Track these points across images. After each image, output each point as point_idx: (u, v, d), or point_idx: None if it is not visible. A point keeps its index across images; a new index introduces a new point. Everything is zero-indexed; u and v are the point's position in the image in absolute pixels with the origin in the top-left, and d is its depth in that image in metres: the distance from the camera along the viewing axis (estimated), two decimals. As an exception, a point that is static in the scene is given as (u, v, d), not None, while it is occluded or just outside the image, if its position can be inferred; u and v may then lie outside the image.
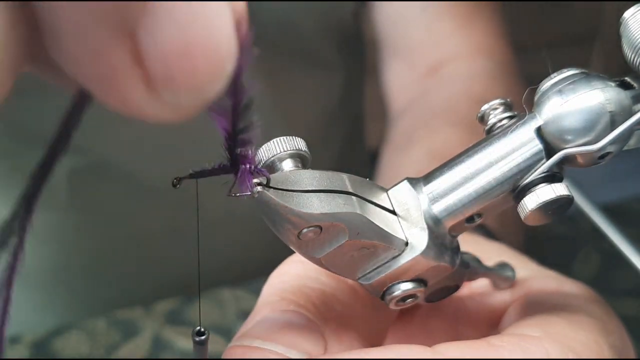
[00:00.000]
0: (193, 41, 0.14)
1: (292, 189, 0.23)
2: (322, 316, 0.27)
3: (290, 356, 0.24)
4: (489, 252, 0.33)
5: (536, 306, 0.29)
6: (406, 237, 0.25)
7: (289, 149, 0.24)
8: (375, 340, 0.30)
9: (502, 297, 0.32)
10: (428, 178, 0.26)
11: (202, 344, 0.22)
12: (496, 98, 0.26)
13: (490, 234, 0.42)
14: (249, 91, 0.17)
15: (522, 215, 0.25)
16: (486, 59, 0.63)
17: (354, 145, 0.76)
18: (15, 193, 0.20)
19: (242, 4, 0.16)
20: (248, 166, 0.21)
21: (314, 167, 0.24)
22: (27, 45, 0.14)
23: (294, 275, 0.28)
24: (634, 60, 0.24)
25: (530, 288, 0.31)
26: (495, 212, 0.26)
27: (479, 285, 0.33)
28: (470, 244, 0.33)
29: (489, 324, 0.32)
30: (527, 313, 0.29)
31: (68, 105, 0.16)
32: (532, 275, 0.32)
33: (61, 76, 0.15)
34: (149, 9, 0.13)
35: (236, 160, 0.21)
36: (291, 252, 0.27)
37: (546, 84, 0.24)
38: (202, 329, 0.22)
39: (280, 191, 0.22)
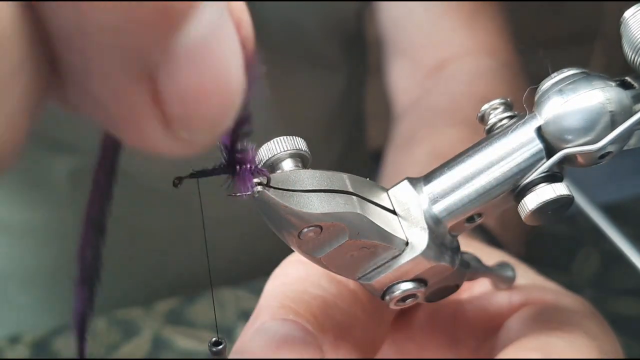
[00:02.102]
0: (209, 83, 0.14)
1: (292, 188, 0.23)
2: (320, 326, 0.27)
3: None
4: (488, 259, 0.33)
5: (535, 323, 0.29)
6: (406, 237, 0.25)
7: (289, 148, 0.24)
8: (372, 346, 0.30)
9: (500, 303, 0.31)
10: (428, 178, 0.26)
11: (220, 354, 0.22)
12: (498, 97, 0.26)
13: (492, 237, 0.41)
14: (250, 96, 0.17)
15: (522, 215, 0.25)
16: (489, 59, 0.63)
17: (355, 145, 0.76)
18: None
19: (248, 25, 0.16)
20: (247, 166, 0.21)
21: (314, 167, 0.24)
22: (43, 81, 0.14)
23: (295, 278, 0.28)
24: (634, 60, 0.24)
25: (529, 298, 0.31)
26: (496, 212, 0.26)
27: (480, 288, 0.33)
28: (471, 249, 0.33)
29: (487, 330, 0.31)
30: (526, 331, 0.28)
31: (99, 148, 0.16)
32: (530, 284, 0.32)
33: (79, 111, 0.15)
34: (169, 55, 0.14)
35: (234, 160, 0.21)
36: (292, 252, 0.27)
37: (546, 83, 0.24)
38: (220, 339, 0.21)
39: (280, 191, 0.22)
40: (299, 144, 0.24)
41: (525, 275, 0.33)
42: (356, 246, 0.24)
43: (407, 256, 0.25)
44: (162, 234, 0.65)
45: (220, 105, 0.15)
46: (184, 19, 0.13)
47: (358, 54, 0.71)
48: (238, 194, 0.22)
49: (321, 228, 0.23)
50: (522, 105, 0.25)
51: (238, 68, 0.15)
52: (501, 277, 0.32)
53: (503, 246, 0.41)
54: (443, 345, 0.25)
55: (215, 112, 0.15)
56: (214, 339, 0.21)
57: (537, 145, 0.24)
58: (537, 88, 0.25)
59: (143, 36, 0.13)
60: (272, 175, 0.23)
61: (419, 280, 0.26)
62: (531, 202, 0.24)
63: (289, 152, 0.24)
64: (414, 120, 0.61)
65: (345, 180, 0.24)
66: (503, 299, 0.31)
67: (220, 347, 0.21)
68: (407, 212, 0.26)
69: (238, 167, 0.21)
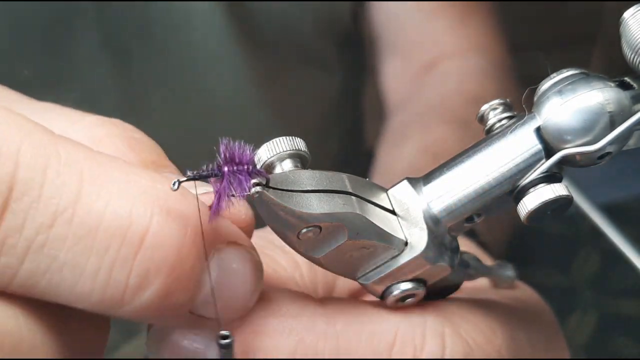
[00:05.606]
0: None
1: (292, 189, 0.23)
2: None
3: None
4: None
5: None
6: (406, 237, 0.25)
7: (288, 149, 0.24)
8: None
9: None
10: (428, 178, 0.26)
11: (228, 347, 0.22)
12: (491, 96, 0.26)
13: (476, 235, 0.42)
14: None
15: (521, 216, 0.25)
16: (480, 57, 0.63)
17: (353, 144, 0.76)
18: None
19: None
20: (245, 167, 0.21)
21: (313, 167, 0.24)
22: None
23: None
24: (633, 60, 0.24)
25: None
26: (495, 213, 0.26)
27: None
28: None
29: None
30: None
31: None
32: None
33: None
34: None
35: (224, 163, 0.21)
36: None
37: (546, 84, 0.24)
38: (226, 333, 0.21)
39: (279, 191, 0.22)
40: (299, 144, 0.24)
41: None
42: (355, 246, 0.24)
43: (407, 256, 0.25)
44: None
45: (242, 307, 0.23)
46: (189, 299, 0.22)
47: (355, 53, 0.72)
48: (237, 195, 0.22)
49: (320, 228, 0.23)
50: (520, 105, 0.25)
51: (245, 287, 0.23)
52: (501, 277, 0.32)
53: (487, 246, 0.41)
54: None
55: (235, 313, 0.23)
56: (220, 333, 0.21)
57: (536, 145, 0.24)
58: (536, 88, 0.25)
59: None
60: (271, 176, 0.23)
61: (418, 280, 0.26)
62: (530, 202, 0.24)
63: (288, 152, 0.24)
64: (405, 117, 0.62)
65: (344, 180, 0.24)
66: None
67: (228, 340, 0.21)
68: (406, 212, 0.26)
69: (235, 168, 0.21)
